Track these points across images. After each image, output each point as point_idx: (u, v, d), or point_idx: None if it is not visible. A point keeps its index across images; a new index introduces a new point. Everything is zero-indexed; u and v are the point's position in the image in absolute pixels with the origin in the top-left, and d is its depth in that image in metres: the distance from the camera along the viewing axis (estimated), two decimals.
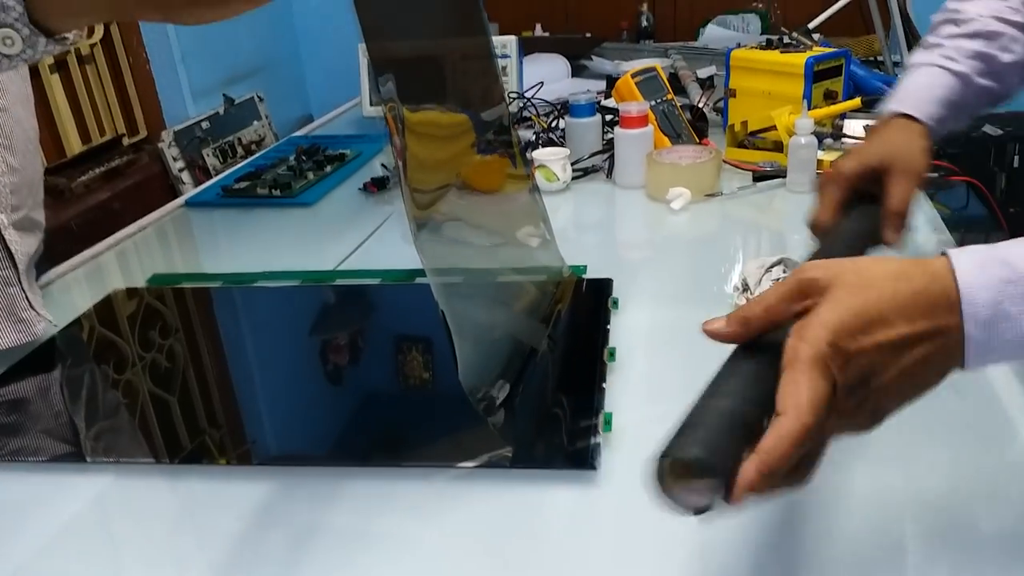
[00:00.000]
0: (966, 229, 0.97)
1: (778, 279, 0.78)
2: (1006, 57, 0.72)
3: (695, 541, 0.52)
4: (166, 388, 0.77)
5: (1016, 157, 1.92)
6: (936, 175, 1.09)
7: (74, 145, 1.81)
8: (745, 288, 0.78)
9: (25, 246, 0.86)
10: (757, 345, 0.44)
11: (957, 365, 0.40)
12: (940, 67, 0.73)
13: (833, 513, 0.53)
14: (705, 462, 0.38)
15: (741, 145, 1.25)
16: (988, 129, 1.96)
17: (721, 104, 1.32)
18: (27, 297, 0.85)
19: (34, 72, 1.71)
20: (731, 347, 0.46)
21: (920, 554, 0.50)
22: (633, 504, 0.56)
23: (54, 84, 1.77)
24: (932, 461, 0.58)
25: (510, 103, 1.47)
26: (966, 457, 0.58)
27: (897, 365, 0.39)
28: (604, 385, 0.68)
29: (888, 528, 0.52)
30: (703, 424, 0.40)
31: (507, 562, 0.52)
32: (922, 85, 0.73)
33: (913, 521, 0.53)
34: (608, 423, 0.64)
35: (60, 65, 1.79)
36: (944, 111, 0.72)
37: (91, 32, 1.84)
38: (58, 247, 1.24)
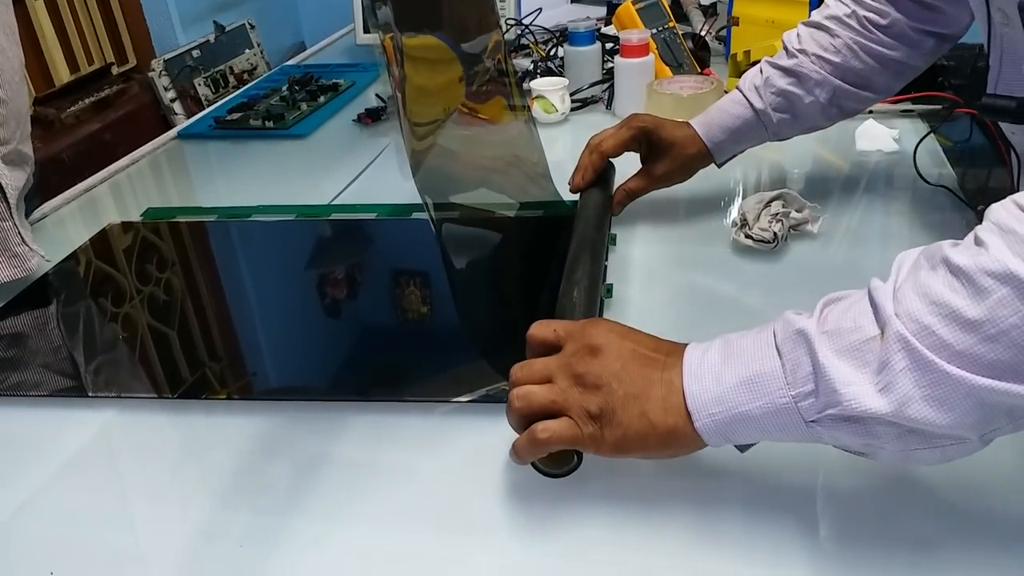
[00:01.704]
0: (969, 163, 0.96)
1: (777, 214, 0.77)
2: (808, 99, 0.80)
3: (684, 465, 0.53)
4: (165, 322, 0.77)
5: None
6: (939, 107, 1.07)
7: (62, 74, 1.77)
8: (744, 223, 0.78)
9: (15, 180, 0.85)
10: None
11: (678, 399, 0.46)
12: (744, 99, 0.82)
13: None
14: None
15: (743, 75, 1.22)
16: None
17: (724, 32, 1.29)
18: (19, 232, 0.84)
19: None
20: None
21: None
22: None
23: (39, 11, 1.72)
24: None
25: (507, 30, 1.44)
26: None
27: (622, 358, 0.48)
28: (605, 263, 0.68)
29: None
30: None
31: (507, 491, 0.53)
32: (721, 109, 0.83)
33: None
34: (609, 291, 0.64)
35: None
36: (726, 138, 0.82)
37: None
38: (51, 179, 1.22)
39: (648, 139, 0.82)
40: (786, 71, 0.80)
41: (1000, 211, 0.40)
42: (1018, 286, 0.37)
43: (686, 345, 0.49)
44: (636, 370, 0.48)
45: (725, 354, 0.46)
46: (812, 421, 0.42)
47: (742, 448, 0.48)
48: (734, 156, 0.85)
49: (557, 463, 0.50)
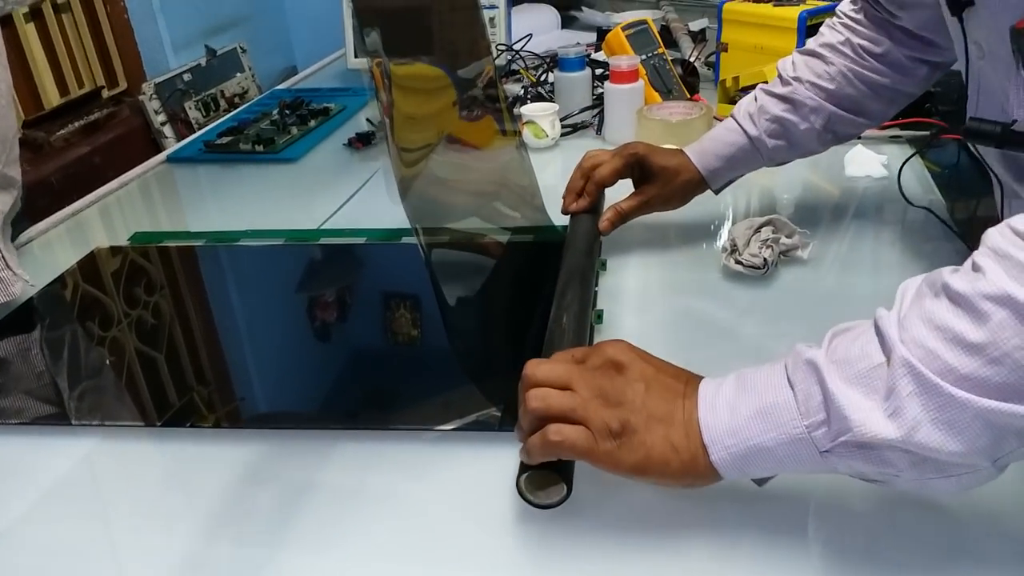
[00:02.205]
0: (957, 190, 0.97)
1: (767, 239, 0.77)
2: (803, 126, 0.80)
3: (678, 494, 0.52)
4: (151, 348, 0.76)
5: None
6: (927, 132, 1.08)
7: (52, 97, 1.77)
8: (734, 248, 0.78)
9: (1, 204, 0.84)
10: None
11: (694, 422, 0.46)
12: (739, 126, 0.82)
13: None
14: (555, 473, 0.48)
15: (732, 101, 1.23)
16: None
17: (713, 58, 1.30)
18: (3, 256, 0.83)
19: (8, 21, 1.66)
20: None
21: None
22: None
23: (30, 34, 1.72)
24: None
25: (498, 56, 1.44)
26: None
27: (646, 379, 0.48)
28: (596, 289, 0.68)
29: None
30: None
31: (498, 521, 0.52)
32: (715, 137, 0.84)
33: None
34: (600, 316, 0.63)
35: (36, 14, 1.74)
36: (721, 165, 0.83)
37: None
38: (39, 202, 1.22)
39: (641, 166, 0.82)
40: (781, 98, 0.81)
41: (996, 236, 0.40)
42: (1016, 309, 0.37)
43: (701, 377, 0.49)
44: (660, 393, 0.48)
45: (738, 387, 0.46)
46: (826, 451, 0.42)
47: (760, 482, 0.48)
48: (731, 182, 0.86)
49: (547, 493, 0.50)
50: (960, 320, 0.39)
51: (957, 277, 0.40)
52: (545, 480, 0.49)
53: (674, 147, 0.85)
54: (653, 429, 0.46)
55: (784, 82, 0.82)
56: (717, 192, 0.86)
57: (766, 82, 1.15)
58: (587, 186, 0.82)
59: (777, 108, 0.81)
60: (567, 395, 0.48)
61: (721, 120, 1.19)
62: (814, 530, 0.51)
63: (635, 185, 0.84)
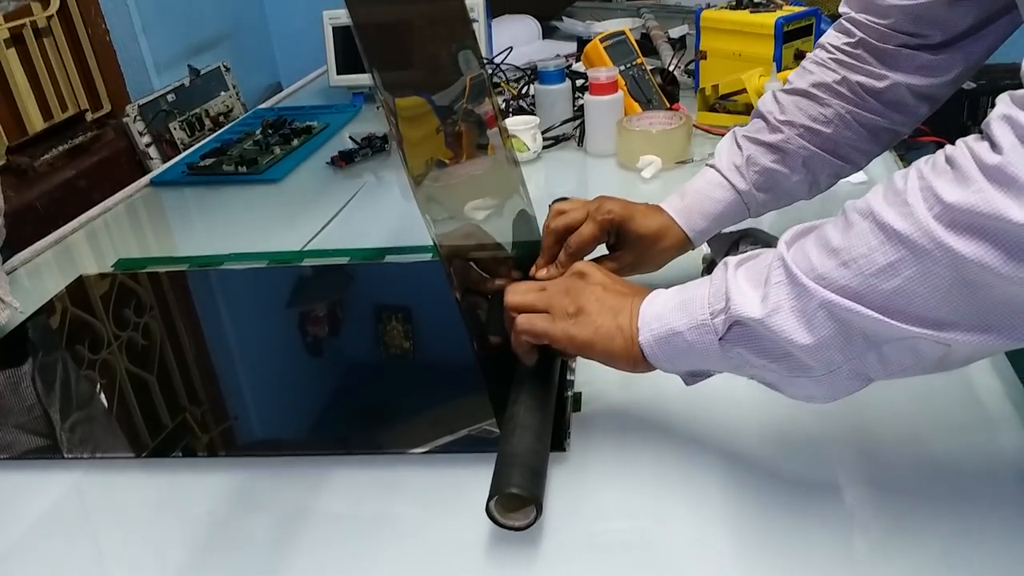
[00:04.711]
0: None
1: (746, 251, 0.77)
2: (794, 178, 0.74)
3: (659, 516, 0.53)
4: (139, 377, 0.77)
5: (990, 110, 1.91)
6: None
7: (35, 122, 1.76)
8: (712, 265, 0.77)
9: None
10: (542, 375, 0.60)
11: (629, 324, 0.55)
12: (726, 181, 0.74)
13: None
14: (525, 495, 0.50)
15: (712, 109, 1.24)
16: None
17: (693, 66, 1.31)
18: None
19: None
20: None
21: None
22: (604, 483, 0.57)
23: (11, 59, 1.72)
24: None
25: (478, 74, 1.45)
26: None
27: (604, 284, 0.59)
28: (573, 365, 0.68)
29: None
30: (516, 463, 0.52)
31: (494, 539, 0.52)
32: (700, 192, 0.75)
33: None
34: (578, 403, 0.64)
35: (16, 39, 1.74)
36: (709, 224, 0.75)
37: (47, 2, 1.79)
38: (25, 228, 1.22)
39: (618, 231, 0.73)
40: (770, 147, 0.74)
41: (902, 170, 0.45)
42: (875, 221, 0.43)
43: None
44: (615, 292, 0.58)
45: (677, 289, 0.55)
46: (722, 338, 0.50)
47: (687, 380, 0.55)
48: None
49: (517, 515, 0.51)
50: (834, 228, 0.46)
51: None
52: (515, 503, 0.50)
53: (651, 204, 0.76)
54: (604, 313, 0.56)
55: (772, 128, 0.74)
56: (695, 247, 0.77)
57: (744, 90, 1.18)
58: (561, 256, 0.72)
59: (766, 159, 0.73)
60: (535, 292, 0.60)
61: (702, 129, 1.21)
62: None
63: (608, 248, 0.75)
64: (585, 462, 0.59)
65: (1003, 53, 0.73)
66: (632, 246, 0.73)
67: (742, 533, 0.51)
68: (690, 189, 0.76)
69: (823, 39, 0.74)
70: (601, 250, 0.75)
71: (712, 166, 0.76)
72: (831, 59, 0.72)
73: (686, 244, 0.75)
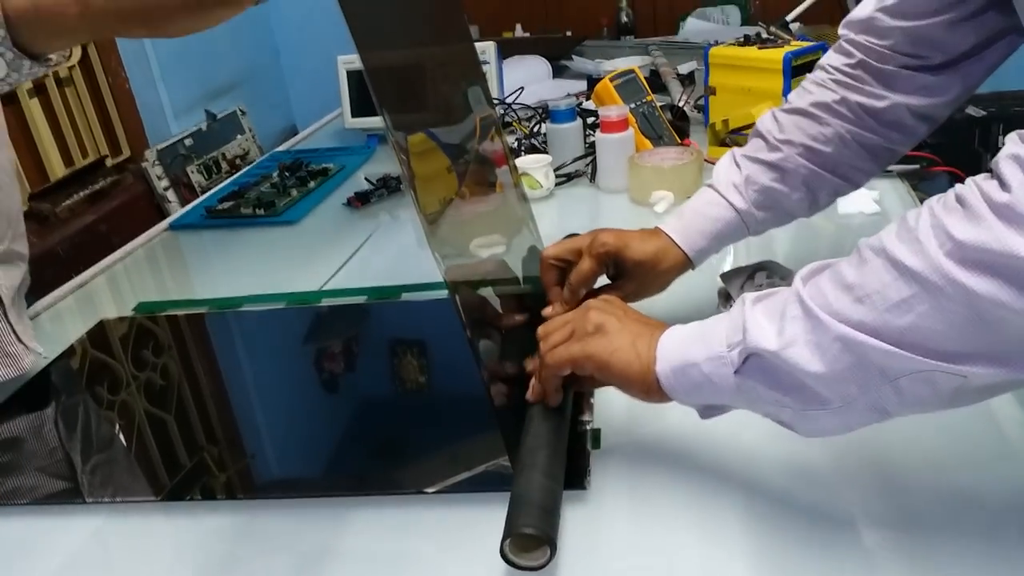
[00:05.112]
0: None
1: (761, 285, 0.78)
2: (794, 196, 0.74)
3: (678, 553, 0.53)
4: (160, 420, 0.77)
5: (1001, 138, 1.92)
6: (917, 166, 1.09)
7: (57, 169, 1.80)
8: (728, 298, 0.78)
9: (9, 279, 0.86)
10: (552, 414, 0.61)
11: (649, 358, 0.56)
12: (724, 199, 0.74)
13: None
14: (538, 535, 0.50)
15: (723, 143, 1.25)
16: (971, 111, 1.96)
17: (702, 101, 1.32)
18: (14, 331, 0.84)
19: (13, 97, 1.70)
20: None
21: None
22: (624, 521, 0.56)
23: (34, 108, 1.76)
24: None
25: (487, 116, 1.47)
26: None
27: (628, 312, 0.61)
28: (592, 401, 0.68)
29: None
30: (528, 503, 0.52)
31: None
32: (698, 212, 0.75)
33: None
34: (597, 440, 0.64)
35: (39, 89, 1.78)
36: (708, 243, 0.74)
37: (70, 54, 1.83)
38: (46, 273, 1.23)
39: (615, 261, 0.73)
40: (769, 166, 0.74)
41: (914, 208, 0.46)
42: (888, 258, 0.44)
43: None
44: (636, 318, 0.60)
45: (696, 324, 0.56)
46: (737, 371, 0.51)
47: (703, 413, 0.56)
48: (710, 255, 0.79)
49: (532, 555, 0.50)
50: (849, 265, 0.47)
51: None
52: (529, 543, 0.50)
53: (648, 228, 0.76)
54: (624, 334, 0.58)
55: (771, 147, 0.74)
56: (695, 268, 0.77)
57: (752, 124, 1.18)
58: (565, 294, 0.73)
59: (765, 177, 0.74)
60: (560, 321, 0.63)
61: (712, 163, 1.22)
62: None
63: (609, 278, 0.76)
64: (602, 499, 0.58)
65: (1015, 80, 0.74)
66: (632, 274, 0.74)
67: (762, 570, 0.51)
68: (688, 209, 0.76)
69: (823, 60, 0.75)
70: (603, 281, 0.75)
71: (710, 186, 0.76)
72: (831, 79, 0.73)
73: (686, 264, 0.74)
